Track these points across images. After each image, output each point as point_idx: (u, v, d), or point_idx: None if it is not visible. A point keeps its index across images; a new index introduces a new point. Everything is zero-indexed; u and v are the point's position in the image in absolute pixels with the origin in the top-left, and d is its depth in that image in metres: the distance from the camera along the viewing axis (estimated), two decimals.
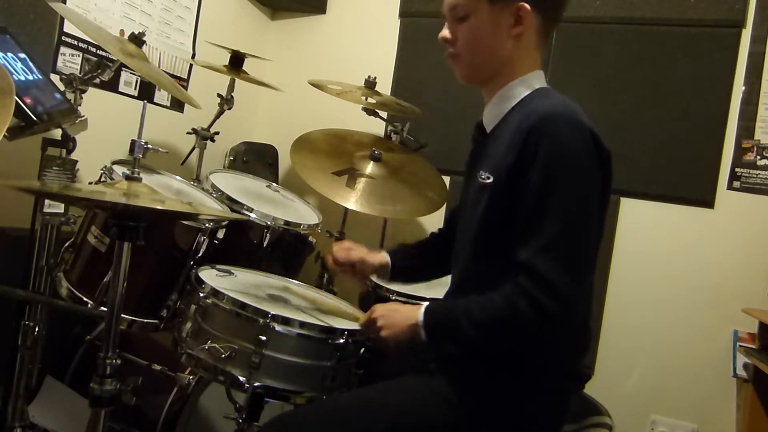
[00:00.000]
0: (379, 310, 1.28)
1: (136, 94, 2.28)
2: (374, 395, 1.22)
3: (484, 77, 1.29)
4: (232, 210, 1.78)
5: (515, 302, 1.09)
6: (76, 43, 2.02)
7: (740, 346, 2.22)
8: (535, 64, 1.28)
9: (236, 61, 2.20)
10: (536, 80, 1.27)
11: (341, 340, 1.34)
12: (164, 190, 1.63)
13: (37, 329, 1.58)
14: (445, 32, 1.29)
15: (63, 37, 1.98)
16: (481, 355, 1.19)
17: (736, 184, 2.30)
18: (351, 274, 1.52)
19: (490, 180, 1.19)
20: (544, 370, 1.19)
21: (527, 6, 1.20)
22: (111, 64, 1.69)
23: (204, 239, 1.60)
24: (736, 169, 2.30)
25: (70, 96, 1.61)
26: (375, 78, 2.28)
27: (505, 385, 1.17)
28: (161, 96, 2.43)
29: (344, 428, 1.15)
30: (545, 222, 1.09)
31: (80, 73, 1.67)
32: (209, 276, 1.47)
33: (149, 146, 1.27)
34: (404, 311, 1.24)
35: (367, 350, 1.42)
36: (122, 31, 2.16)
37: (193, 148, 2.23)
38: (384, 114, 2.44)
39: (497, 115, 1.27)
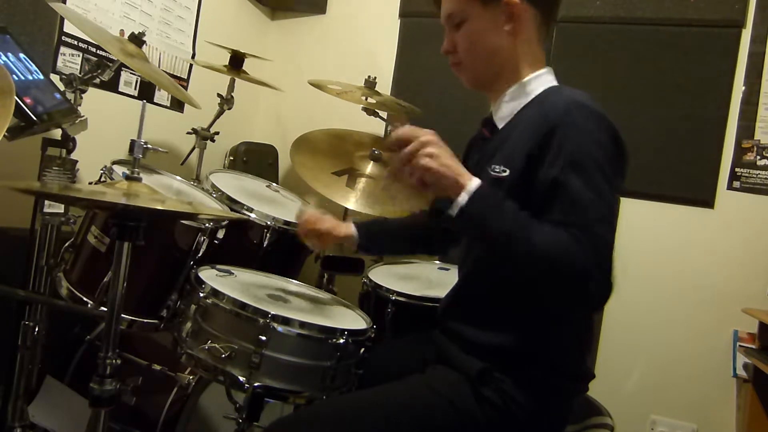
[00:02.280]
0: (435, 138, 1.12)
1: (136, 94, 2.28)
2: (376, 397, 1.21)
3: (489, 79, 1.29)
4: (232, 210, 1.78)
5: (583, 253, 0.99)
6: (76, 43, 2.02)
7: (740, 346, 2.22)
8: (540, 60, 1.28)
9: (236, 61, 2.20)
10: (548, 77, 1.27)
11: (341, 340, 1.34)
12: (164, 190, 1.63)
13: (37, 329, 1.58)
14: (446, 44, 1.29)
15: (63, 37, 1.98)
16: (483, 356, 1.19)
17: (736, 184, 2.30)
18: (315, 240, 1.56)
19: (506, 173, 1.17)
20: (549, 371, 1.18)
21: (516, 0, 1.20)
22: (111, 64, 1.69)
23: (204, 239, 1.60)
24: (736, 169, 2.30)
25: (70, 96, 1.61)
26: (375, 78, 2.28)
27: (509, 386, 1.17)
28: (161, 96, 2.43)
29: (346, 430, 1.15)
30: (576, 200, 1.03)
31: (80, 73, 1.67)
32: (209, 276, 1.47)
33: (149, 146, 1.27)
34: (459, 166, 1.09)
35: (367, 350, 1.42)
36: (122, 31, 2.16)
37: (193, 148, 2.23)
38: (384, 114, 2.44)
39: (510, 111, 1.27)
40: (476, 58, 1.27)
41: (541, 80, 1.26)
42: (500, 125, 1.29)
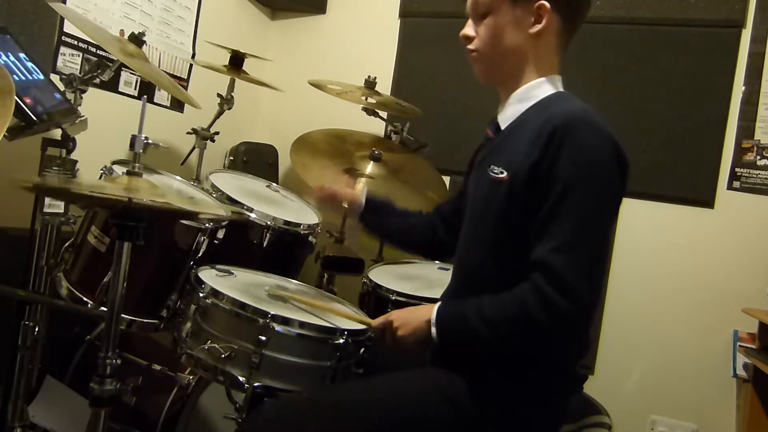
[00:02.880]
0: (396, 313, 1.29)
1: (136, 94, 2.28)
2: (375, 390, 1.22)
3: (502, 75, 1.29)
4: (232, 210, 1.78)
5: (525, 300, 1.08)
6: (76, 43, 2.02)
7: (740, 346, 2.22)
8: (553, 67, 1.28)
9: (236, 61, 2.20)
10: (555, 83, 1.27)
11: (341, 340, 1.34)
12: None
13: (37, 329, 1.58)
14: (467, 30, 1.29)
15: (63, 37, 1.98)
16: (488, 355, 1.19)
17: (736, 184, 2.30)
18: (327, 198, 1.63)
19: (504, 175, 1.19)
20: (546, 372, 1.19)
21: (547, 5, 1.21)
22: (111, 64, 1.70)
23: (204, 239, 1.60)
24: (736, 169, 2.30)
25: (70, 96, 1.61)
26: (375, 78, 2.28)
27: (507, 385, 1.17)
28: (161, 96, 2.43)
29: (344, 423, 1.15)
30: (562, 223, 1.09)
31: (80, 73, 1.67)
32: (209, 276, 1.47)
33: (149, 141, 1.27)
34: (419, 310, 1.25)
35: (367, 350, 1.42)
36: (122, 31, 2.16)
37: (193, 148, 2.23)
38: (384, 114, 2.44)
39: (514, 113, 1.28)
40: (494, 52, 1.27)
41: (547, 85, 1.26)
42: (503, 126, 1.30)
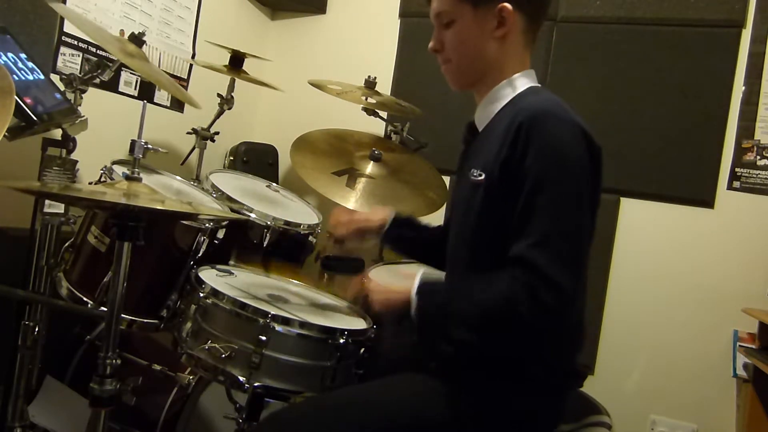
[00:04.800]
0: (374, 282, 1.30)
1: (136, 94, 2.28)
2: (372, 392, 1.22)
3: (473, 80, 1.30)
4: (232, 210, 1.78)
5: (513, 293, 1.07)
6: (76, 43, 2.02)
7: (740, 346, 2.22)
8: (523, 64, 1.28)
9: (236, 61, 2.20)
10: (526, 80, 1.28)
11: (341, 340, 1.34)
12: (164, 190, 1.63)
13: (37, 329, 1.58)
14: (434, 43, 1.30)
15: (63, 37, 1.98)
16: (479, 353, 1.19)
17: (736, 184, 2.30)
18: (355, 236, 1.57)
19: (482, 177, 1.19)
20: (541, 368, 1.19)
21: (510, 7, 1.21)
22: (111, 64, 1.69)
23: (204, 239, 1.60)
24: (736, 169, 2.30)
25: (70, 96, 1.61)
26: (375, 78, 2.28)
27: (503, 383, 1.17)
28: (161, 96, 2.43)
29: (342, 425, 1.15)
30: (538, 217, 1.09)
31: (80, 73, 1.67)
32: (209, 276, 1.47)
33: (149, 146, 1.27)
34: (398, 286, 1.24)
35: (367, 350, 1.42)
36: (122, 31, 2.16)
37: (193, 148, 2.23)
38: (384, 114, 2.44)
39: (488, 114, 1.28)
40: (462, 58, 1.28)
41: (517, 83, 1.26)
42: (480, 128, 1.31)
